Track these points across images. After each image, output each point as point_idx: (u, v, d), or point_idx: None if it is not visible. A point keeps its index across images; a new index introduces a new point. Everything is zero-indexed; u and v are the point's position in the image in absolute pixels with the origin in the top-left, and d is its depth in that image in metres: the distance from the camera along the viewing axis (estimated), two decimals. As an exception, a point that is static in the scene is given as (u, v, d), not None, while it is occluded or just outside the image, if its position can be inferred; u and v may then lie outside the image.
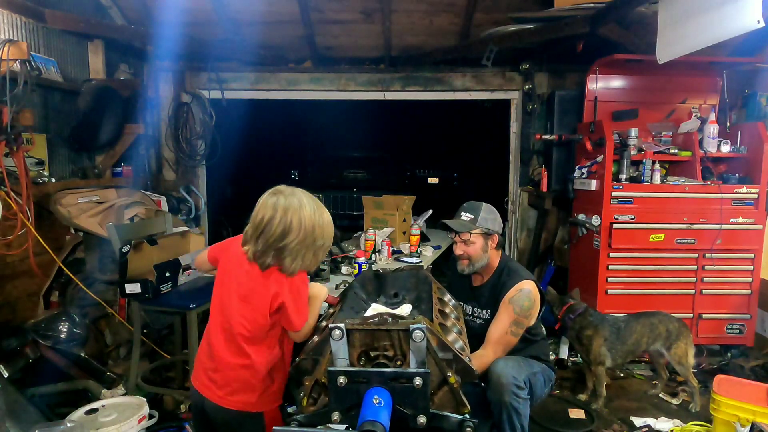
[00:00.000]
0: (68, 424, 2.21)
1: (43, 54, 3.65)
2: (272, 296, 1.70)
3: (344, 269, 3.42)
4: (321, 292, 1.93)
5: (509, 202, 5.09)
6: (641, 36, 3.73)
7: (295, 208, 1.67)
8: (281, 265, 1.69)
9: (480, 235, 2.42)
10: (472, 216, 2.43)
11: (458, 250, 2.46)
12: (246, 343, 1.74)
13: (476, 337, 2.31)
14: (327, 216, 1.76)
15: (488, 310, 2.43)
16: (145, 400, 2.51)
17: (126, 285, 2.69)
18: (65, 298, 3.35)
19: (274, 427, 1.25)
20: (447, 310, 1.83)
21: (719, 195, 3.65)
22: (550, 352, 2.82)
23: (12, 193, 2.91)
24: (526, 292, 2.31)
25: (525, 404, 2.17)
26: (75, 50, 4.00)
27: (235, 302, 1.75)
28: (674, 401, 3.25)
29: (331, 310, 1.88)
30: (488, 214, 2.46)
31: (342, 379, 1.34)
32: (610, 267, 3.75)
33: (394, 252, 3.99)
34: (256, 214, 1.70)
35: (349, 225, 6.41)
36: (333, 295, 1.99)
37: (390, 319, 1.43)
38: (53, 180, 3.52)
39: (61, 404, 2.75)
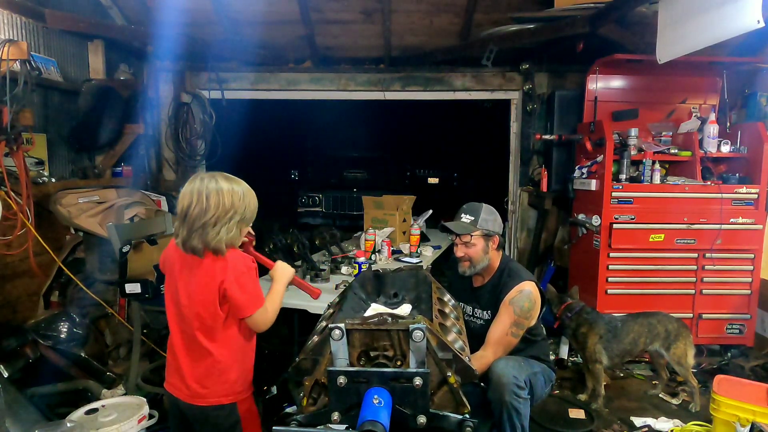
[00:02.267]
0: (68, 424, 2.21)
1: (43, 54, 3.65)
2: (218, 285, 1.72)
3: (344, 269, 3.42)
4: (285, 273, 1.93)
5: (509, 202, 5.09)
6: (641, 36, 3.73)
7: (211, 189, 1.70)
8: (206, 243, 1.71)
9: (481, 237, 2.42)
10: (473, 218, 2.42)
11: (459, 252, 2.45)
12: (204, 339, 1.76)
13: (476, 337, 2.31)
14: (248, 192, 1.79)
15: (489, 311, 2.43)
16: (145, 400, 2.50)
17: (126, 285, 2.70)
18: (65, 298, 3.34)
19: (274, 428, 1.25)
20: (447, 310, 1.83)
21: (719, 195, 3.65)
22: (550, 352, 2.82)
23: (12, 193, 2.91)
24: (526, 293, 2.31)
25: (525, 404, 2.17)
26: (75, 50, 4.00)
27: (185, 301, 1.77)
28: (674, 401, 3.25)
29: (331, 310, 1.88)
30: (488, 215, 2.45)
31: (342, 379, 1.34)
32: (610, 267, 3.75)
33: (394, 252, 3.99)
34: (178, 205, 1.75)
35: (349, 225, 6.41)
36: (299, 278, 1.97)
37: (390, 319, 1.43)
38: (53, 180, 3.52)
39: (61, 404, 2.75)
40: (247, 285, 1.76)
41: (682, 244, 3.71)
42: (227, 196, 1.71)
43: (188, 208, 1.70)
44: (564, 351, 3.81)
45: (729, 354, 3.83)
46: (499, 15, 4.29)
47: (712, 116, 3.86)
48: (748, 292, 3.76)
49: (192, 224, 1.70)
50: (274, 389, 2.85)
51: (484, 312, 2.46)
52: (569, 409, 3.13)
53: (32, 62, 3.08)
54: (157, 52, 4.40)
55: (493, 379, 2.16)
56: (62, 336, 2.97)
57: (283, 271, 1.93)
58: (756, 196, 3.68)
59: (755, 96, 4.01)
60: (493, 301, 2.40)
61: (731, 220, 3.68)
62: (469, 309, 2.53)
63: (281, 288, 1.90)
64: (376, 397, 1.29)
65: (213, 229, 1.69)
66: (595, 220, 3.77)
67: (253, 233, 1.93)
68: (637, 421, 2.98)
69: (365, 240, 3.85)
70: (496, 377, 2.15)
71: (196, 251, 1.72)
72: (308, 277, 3.19)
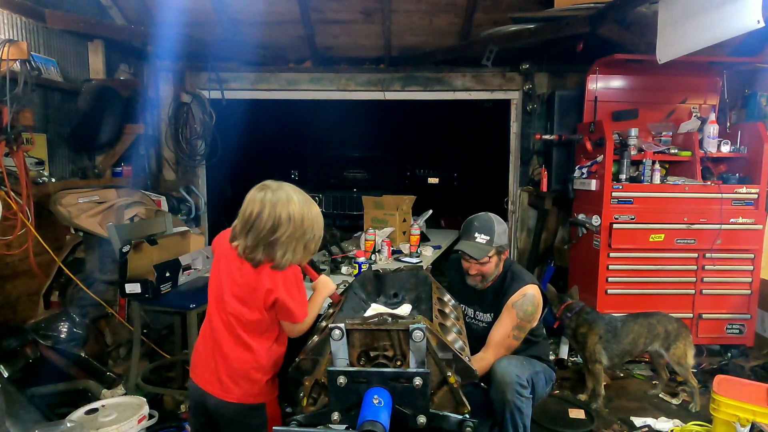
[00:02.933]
0: (68, 424, 2.21)
1: (43, 54, 3.65)
2: (265, 293, 1.70)
3: (344, 269, 3.42)
4: (327, 286, 1.93)
5: (509, 202, 5.09)
6: (641, 36, 3.73)
7: (284, 201, 1.66)
8: (272, 260, 1.69)
9: (495, 254, 2.36)
10: (488, 237, 2.34)
11: (473, 270, 2.39)
12: (248, 337, 1.76)
13: (478, 340, 2.31)
14: (315, 209, 1.76)
15: (491, 314, 2.42)
16: (145, 400, 2.51)
17: (126, 285, 2.69)
18: (65, 298, 3.35)
19: (274, 428, 1.25)
20: (446, 310, 1.83)
21: (719, 195, 3.65)
22: (550, 352, 2.82)
23: (12, 193, 2.91)
24: (530, 296, 2.30)
25: (528, 403, 2.17)
26: (75, 50, 4.00)
27: (231, 300, 1.75)
28: (674, 401, 3.25)
29: (331, 310, 1.88)
30: (500, 228, 2.37)
31: (342, 379, 1.34)
32: (610, 267, 3.74)
33: (394, 252, 3.99)
34: (245, 210, 1.69)
35: (349, 225, 6.42)
36: (337, 293, 1.98)
37: (390, 319, 1.43)
38: (53, 180, 3.52)
39: (61, 404, 2.75)
40: (297, 294, 1.75)
41: (682, 244, 3.71)
42: (298, 214, 1.67)
43: (257, 219, 1.65)
44: (564, 351, 3.81)
45: (729, 354, 3.83)
46: (499, 15, 4.29)
47: (712, 116, 3.86)
48: (748, 292, 3.76)
49: (262, 237, 1.66)
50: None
51: (487, 314, 2.45)
52: (569, 409, 3.13)
53: (32, 62, 3.07)
54: (157, 52, 4.40)
55: (495, 378, 2.16)
56: (62, 336, 2.97)
57: (325, 284, 1.92)
58: (756, 196, 3.68)
59: (755, 96, 4.01)
60: (495, 304, 2.39)
61: (731, 220, 3.67)
62: (471, 311, 2.52)
63: (321, 300, 1.90)
64: (376, 397, 1.29)
65: (282, 248, 1.67)
66: (595, 220, 3.77)
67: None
68: (637, 421, 2.98)
69: (365, 240, 3.85)
70: (499, 376, 2.15)
71: (255, 262, 1.69)
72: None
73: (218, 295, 1.79)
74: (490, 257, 2.35)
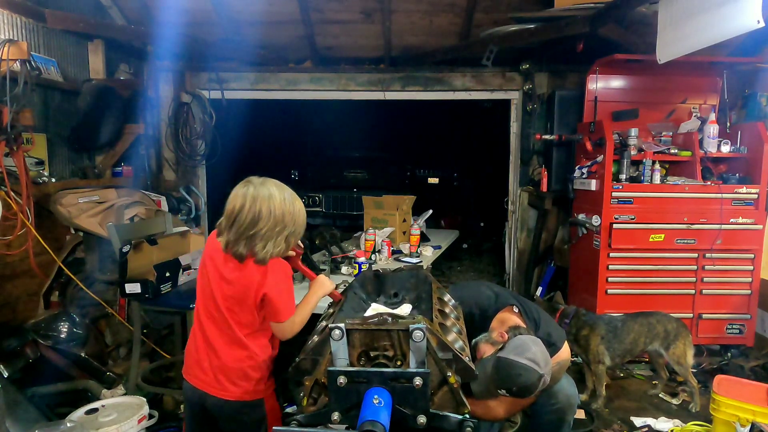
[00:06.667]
0: (68, 424, 2.21)
1: (43, 54, 3.65)
2: (255, 289, 1.72)
3: (344, 269, 3.42)
4: (323, 286, 1.93)
5: (509, 202, 5.09)
6: (641, 36, 3.73)
7: (264, 197, 1.70)
8: (253, 253, 1.71)
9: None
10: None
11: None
12: (243, 336, 1.78)
13: None
14: (298, 204, 1.79)
15: None
16: (145, 400, 2.51)
17: (126, 285, 2.70)
18: (65, 298, 3.35)
19: (274, 428, 1.26)
20: (447, 310, 1.83)
21: (719, 195, 3.65)
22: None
23: (12, 193, 2.91)
24: (562, 363, 2.14)
25: None
26: (75, 50, 4.00)
27: (222, 299, 1.77)
28: (674, 401, 3.25)
29: (331, 310, 1.88)
30: (543, 355, 1.82)
31: (342, 379, 1.34)
32: (610, 267, 3.74)
33: (394, 252, 3.99)
34: (229, 205, 1.74)
35: (349, 225, 6.41)
36: (338, 292, 1.96)
37: (390, 319, 1.43)
38: (53, 180, 3.52)
39: (61, 404, 2.75)
40: (284, 292, 1.77)
41: (682, 244, 3.71)
42: (278, 209, 1.71)
43: (239, 213, 1.70)
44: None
45: (729, 354, 3.83)
46: (499, 15, 4.29)
47: (712, 116, 3.86)
48: (748, 292, 3.76)
49: (243, 231, 1.69)
50: (274, 389, 2.85)
51: None
52: (569, 409, 3.13)
53: (32, 62, 3.08)
54: (157, 52, 4.41)
55: (561, 398, 2.16)
56: (62, 336, 2.97)
57: (321, 284, 1.92)
58: (756, 196, 3.68)
59: (755, 96, 4.00)
60: None
61: (731, 220, 3.67)
62: None
63: (314, 300, 1.90)
64: (376, 397, 1.29)
65: (262, 240, 1.69)
66: (595, 220, 3.77)
67: (302, 246, 1.93)
68: (637, 421, 2.98)
69: (365, 240, 3.85)
70: (565, 397, 2.16)
71: (238, 256, 1.71)
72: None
73: (208, 294, 1.80)
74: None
